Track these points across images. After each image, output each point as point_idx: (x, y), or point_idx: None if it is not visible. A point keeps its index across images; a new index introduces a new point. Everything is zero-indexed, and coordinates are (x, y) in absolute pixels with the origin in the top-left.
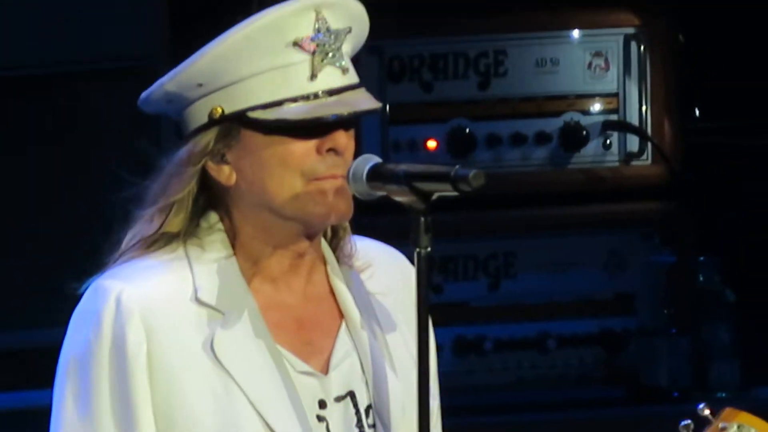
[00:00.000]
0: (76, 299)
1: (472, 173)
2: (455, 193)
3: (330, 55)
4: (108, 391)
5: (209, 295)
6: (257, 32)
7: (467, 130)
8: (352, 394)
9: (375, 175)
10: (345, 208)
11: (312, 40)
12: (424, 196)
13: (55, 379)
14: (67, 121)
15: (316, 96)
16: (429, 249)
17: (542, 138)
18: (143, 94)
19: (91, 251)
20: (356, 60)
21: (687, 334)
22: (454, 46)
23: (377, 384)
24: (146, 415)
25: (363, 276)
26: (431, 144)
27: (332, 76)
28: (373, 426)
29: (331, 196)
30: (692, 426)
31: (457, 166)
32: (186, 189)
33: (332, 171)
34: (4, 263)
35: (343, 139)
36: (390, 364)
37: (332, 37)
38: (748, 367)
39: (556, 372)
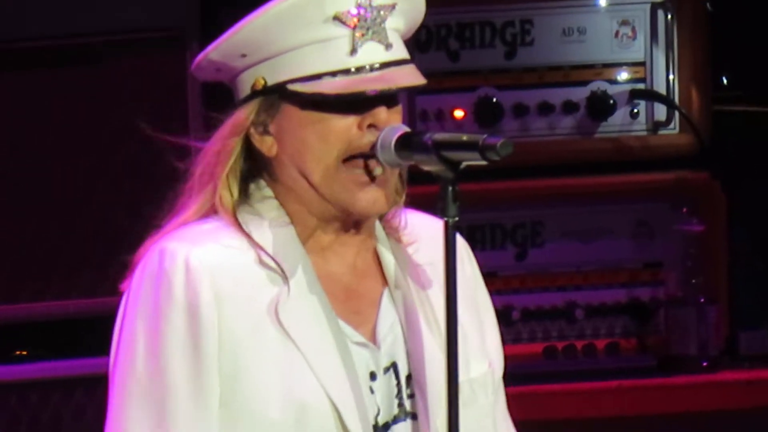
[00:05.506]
0: (122, 268)
1: (500, 142)
2: (483, 162)
3: (372, 30)
4: (180, 354)
5: (271, 259)
6: (298, 5)
7: (494, 100)
8: (395, 365)
9: (403, 144)
10: (376, 203)
11: (353, 14)
12: (453, 164)
13: (114, 342)
14: (109, 89)
15: (358, 70)
16: (457, 218)
17: (569, 107)
18: (194, 62)
19: (146, 223)
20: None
21: (716, 302)
22: (480, 16)
23: (418, 353)
24: (213, 379)
25: (410, 249)
26: (458, 113)
27: (374, 52)
28: (412, 396)
29: (362, 186)
30: None
31: (485, 135)
32: (232, 158)
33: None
34: (54, 233)
35: (384, 115)
36: (431, 334)
37: (375, 12)
38: None
39: (583, 341)
